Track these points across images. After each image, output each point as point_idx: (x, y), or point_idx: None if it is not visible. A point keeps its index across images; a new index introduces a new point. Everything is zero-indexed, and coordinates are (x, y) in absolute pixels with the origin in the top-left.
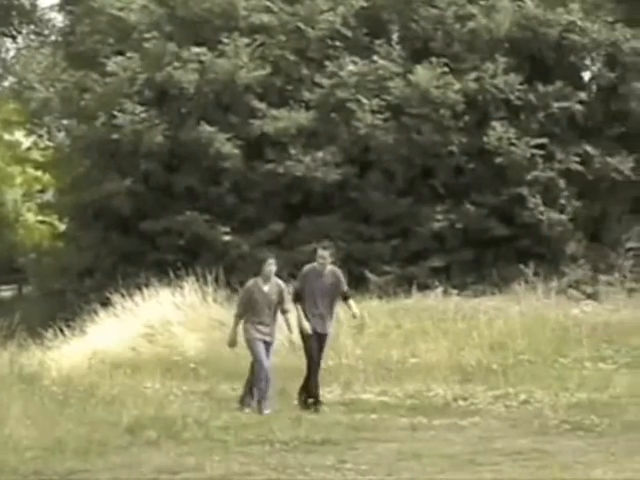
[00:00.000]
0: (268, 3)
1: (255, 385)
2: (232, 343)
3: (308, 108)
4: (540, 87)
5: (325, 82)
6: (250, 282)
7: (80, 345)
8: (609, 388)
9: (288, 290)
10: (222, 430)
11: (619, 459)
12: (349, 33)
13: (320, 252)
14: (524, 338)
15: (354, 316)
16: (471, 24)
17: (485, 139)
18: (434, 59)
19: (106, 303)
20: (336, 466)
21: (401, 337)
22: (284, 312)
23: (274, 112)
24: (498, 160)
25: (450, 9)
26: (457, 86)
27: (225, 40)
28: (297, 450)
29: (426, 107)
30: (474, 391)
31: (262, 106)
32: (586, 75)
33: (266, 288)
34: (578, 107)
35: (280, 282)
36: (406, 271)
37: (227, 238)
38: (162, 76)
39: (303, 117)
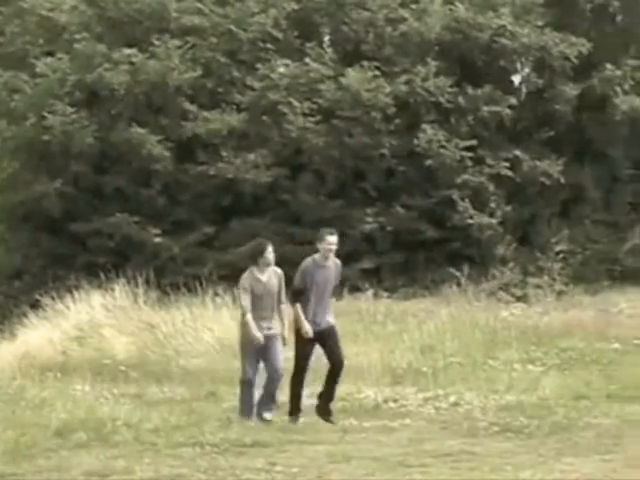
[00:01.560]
0: (199, 5)
1: (241, 391)
2: (257, 338)
3: (239, 110)
4: (470, 90)
5: (256, 84)
6: (245, 274)
7: (9, 348)
8: (538, 390)
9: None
10: (152, 433)
11: (548, 460)
12: (280, 35)
13: (329, 237)
14: (454, 341)
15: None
16: (402, 27)
17: (415, 142)
18: (365, 62)
19: (36, 306)
20: (266, 468)
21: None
22: (279, 302)
23: (205, 114)
24: (428, 163)
25: (381, 12)
26: (388, 89)
27: (156, 42)
28: (227, 452)
29: (357, 110)
30: (404, 393)
31: (193, 108)
32: (516, 79)
33: (264, 277)
34: (507, 111)
35: (277, 269)
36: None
37: (158, 240)
38: (92, 77)
39: (234, 119)
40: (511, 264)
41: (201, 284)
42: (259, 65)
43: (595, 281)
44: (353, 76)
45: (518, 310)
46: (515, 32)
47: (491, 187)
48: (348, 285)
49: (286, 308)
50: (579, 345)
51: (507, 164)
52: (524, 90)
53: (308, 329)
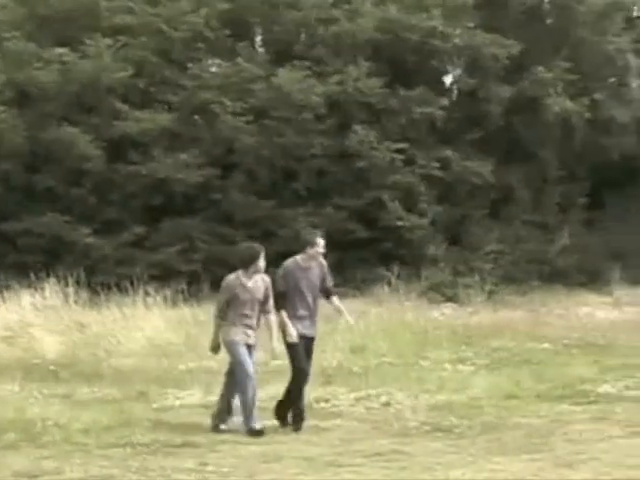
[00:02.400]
0: (130, 4)
1: (240, 397)
2: (215, 348)
3: (171, 110)
4: (402, 91)
5: (188, 84)
6: (231, 276)
7: None
8: (468, 389)
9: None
10: (82, 433)
11: (478, 459)
12: (212, 35)
13: (318, 240)
14: (385, 340)
15: (348, 322)
16: (334, 28)
17: (347, 142)
18: (297, 62)
19: None
20: (198, 469)
21: (262, 340)
22: (266, 312)
23: (137, 113)
24: (359, 163)
25: (313, 12)
26: (320, 89)
27: (87, 41)
28: (158, 453)
29: (289, 110)
30: (336, 393)
31: (125, 107)
32: (447, 79)
33: (250, 283)
34: (439, 112)
35: (265, 276)
36: (268, 273)
37: (89, 240)
38: (23, 76)
39: (166, 119)
40: (442, 264)
41: (132, 284)
42: (191, 64)
43: (525, 281)
44: (285, 76)
45: (449, 310)
46: (446, 33)
47: (422, 187)
48: None
49: (273, 318)
50: (509, 345)
51: (438, 164)
52: (456, 91)
53: (292, 332)
